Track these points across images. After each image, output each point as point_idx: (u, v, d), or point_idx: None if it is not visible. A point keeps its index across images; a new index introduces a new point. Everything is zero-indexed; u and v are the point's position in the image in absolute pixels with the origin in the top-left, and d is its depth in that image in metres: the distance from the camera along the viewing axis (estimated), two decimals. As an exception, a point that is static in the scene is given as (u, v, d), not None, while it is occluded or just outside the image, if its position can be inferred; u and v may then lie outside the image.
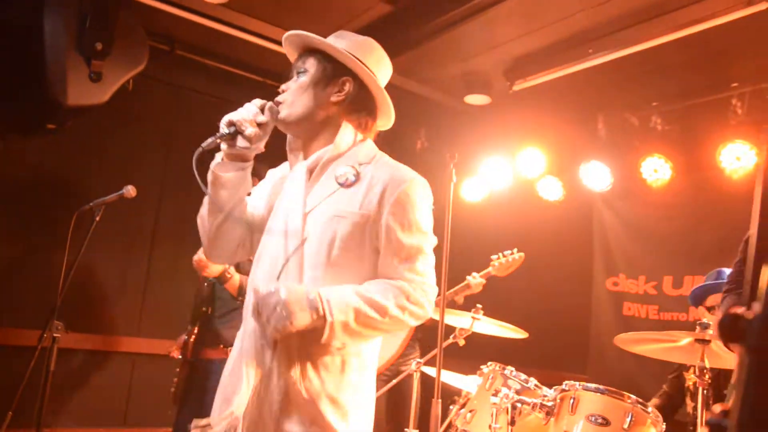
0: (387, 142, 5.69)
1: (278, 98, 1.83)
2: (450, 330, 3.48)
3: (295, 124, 1.81)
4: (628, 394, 2.65)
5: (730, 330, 0.45)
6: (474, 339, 3.53)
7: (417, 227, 1.73)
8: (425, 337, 4.49)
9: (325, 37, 1.85)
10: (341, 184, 1.75)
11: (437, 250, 1.88)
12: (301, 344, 1.64)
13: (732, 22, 3.41)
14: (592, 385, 2.72)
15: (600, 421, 2.61)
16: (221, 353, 3.22)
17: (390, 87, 1.93)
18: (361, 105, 1.86)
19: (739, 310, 0.46)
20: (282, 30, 4.34)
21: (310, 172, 1.81)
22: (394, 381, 3.81)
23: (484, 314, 3.43)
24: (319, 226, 1.71)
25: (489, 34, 3.95)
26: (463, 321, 3.47)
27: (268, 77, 4.57)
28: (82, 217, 3.15)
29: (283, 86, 1.86)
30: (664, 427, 2.66)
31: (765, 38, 3.60)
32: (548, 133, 4.91)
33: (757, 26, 3.45)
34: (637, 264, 4.78)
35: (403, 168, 1.81)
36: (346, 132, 1.82)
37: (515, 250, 4.01)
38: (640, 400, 2.63)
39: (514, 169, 5.10)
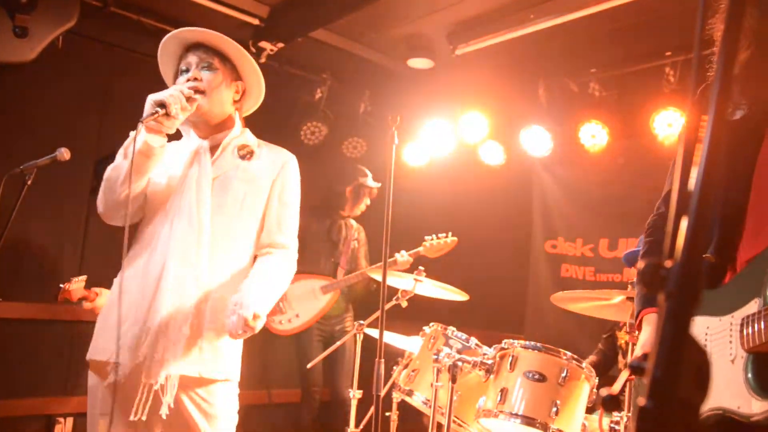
0: (330, 105, 5.64)
1: (197, 86, 2.14)
2: (393, 292, 3.53)
3: (206, 114, 2.20)
4: (563, 351, 2.75)
5: (651, 278, 0.48)
6: (417, 301, 3.59)
7: (294, 201, 2.33)
8: (369, 299, 4.55)
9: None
10: (242, 157, 2.25)
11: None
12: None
13: (668, -8, 3.49)
14: (530, 343, 2.81)
15: (537, 376, 2.70)
16: None
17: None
18: (242, 102, 2.36)
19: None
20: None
21: (212, 149, 2.24)
22: (338, 343, 3.86)
23: (426, 276, 3.48)
24: (229, 189, 2.19)
25: (432, -3, 3.94)
26: (406, 283, 3.52)
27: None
28: (13, 182, 3.02)
29: (194, 73, 2.17)
30: (596, 381, 2.78)
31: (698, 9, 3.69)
32: (490, 97, 4.95)
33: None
34: (574, 227, 4.93)
35: (283, 149, 2.39)
36: (238, 121, 2.32)
37: (450, 233, 4.13)
38: (575, 356, 2.74)
39: (456, 134, 5.14)
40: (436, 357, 2.85)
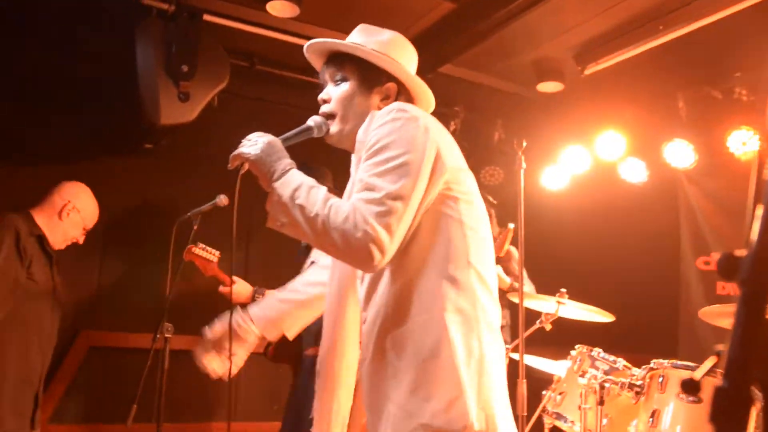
0: (465, 137, 5.74)
1: (325, 110, 1.79)
2: (535, 315, 3.52)
3: (347, 137, 1.77)
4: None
5: (727, 267, 0.53)
6: (561, 324, 3.55)
7: (381, 150, 1.58)
8: (511, 323, 4.54)
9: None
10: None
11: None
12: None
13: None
14: (682, 363, 2.71)
15: (692, 398, 2.59)
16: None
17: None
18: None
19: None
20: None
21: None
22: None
23: (569, 298, 3.44)
24: None
25: (556, 20, 3.94)
26: (548, 306, 3.50)
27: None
28: (182, 227, 3.40)
29: (323, 95, 1.81)
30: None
31: None
32: (626, 114, 4.82)
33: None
34: (729, 240, 4.63)
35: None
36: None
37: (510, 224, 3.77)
38: (734, 375, 2.59)
39: (593, 154, 5.05)
40: (582, 379, 2.83)
